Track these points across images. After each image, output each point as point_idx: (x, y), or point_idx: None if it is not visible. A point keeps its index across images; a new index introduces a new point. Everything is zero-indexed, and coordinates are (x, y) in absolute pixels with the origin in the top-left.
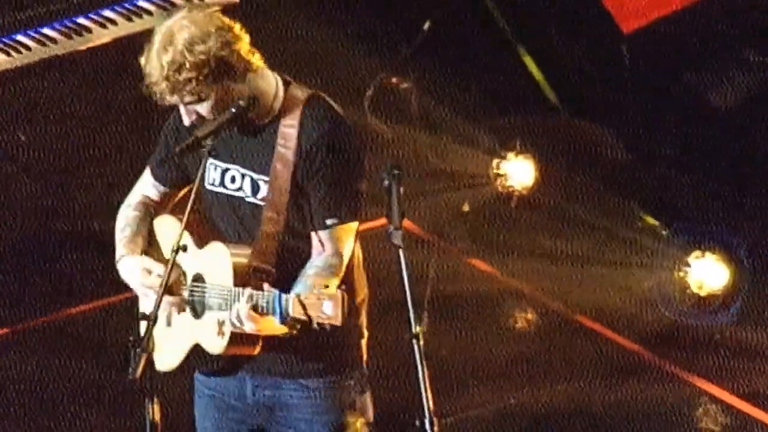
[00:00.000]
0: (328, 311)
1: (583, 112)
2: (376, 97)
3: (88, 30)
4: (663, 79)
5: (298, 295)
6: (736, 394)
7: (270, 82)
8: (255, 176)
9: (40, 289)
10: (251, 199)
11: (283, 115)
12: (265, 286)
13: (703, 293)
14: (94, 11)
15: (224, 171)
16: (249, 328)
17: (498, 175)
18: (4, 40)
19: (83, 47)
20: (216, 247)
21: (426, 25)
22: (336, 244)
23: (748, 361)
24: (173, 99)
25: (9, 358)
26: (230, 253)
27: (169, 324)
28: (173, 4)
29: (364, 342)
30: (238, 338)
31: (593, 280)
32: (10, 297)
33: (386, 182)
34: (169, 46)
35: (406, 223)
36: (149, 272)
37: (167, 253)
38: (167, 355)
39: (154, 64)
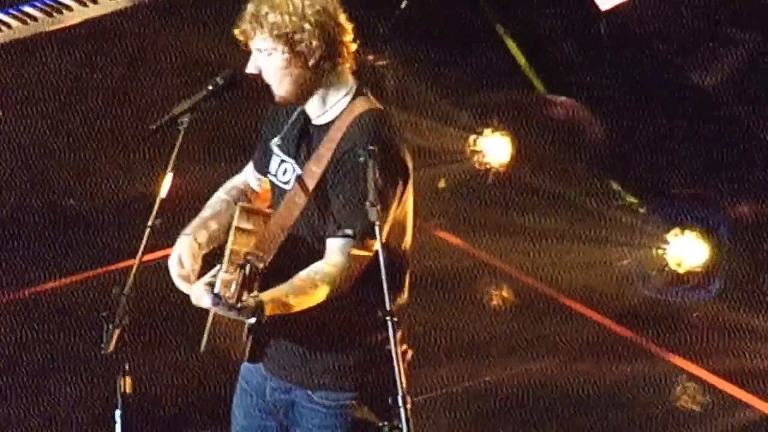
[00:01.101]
0: (231, 289)
1: (561, 89)
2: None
3: (69, 8)
4: (642, 56)
5: (224, 273)
6: (715, 372)
7: (342, 86)
8: (299, 171)
9: (15, 265)
10: None
11: (339, 117)
12: (224, 264)
13: (681, 271)
14: None
15: (281, 162)
16: (205, 303)
17: (474, 151)
18: None
19: (63, 25)
20: (231, 235)
21: (403, 3)
22: (340, 256)
23: (726, 339)
24: (249, 38)
25: None
26: (234, 240)
27: None
28: None
29: (382, 357)
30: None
31: (570, 257)
32: None
33: (362, 158)
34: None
35: None
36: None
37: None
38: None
39: (264, 4)
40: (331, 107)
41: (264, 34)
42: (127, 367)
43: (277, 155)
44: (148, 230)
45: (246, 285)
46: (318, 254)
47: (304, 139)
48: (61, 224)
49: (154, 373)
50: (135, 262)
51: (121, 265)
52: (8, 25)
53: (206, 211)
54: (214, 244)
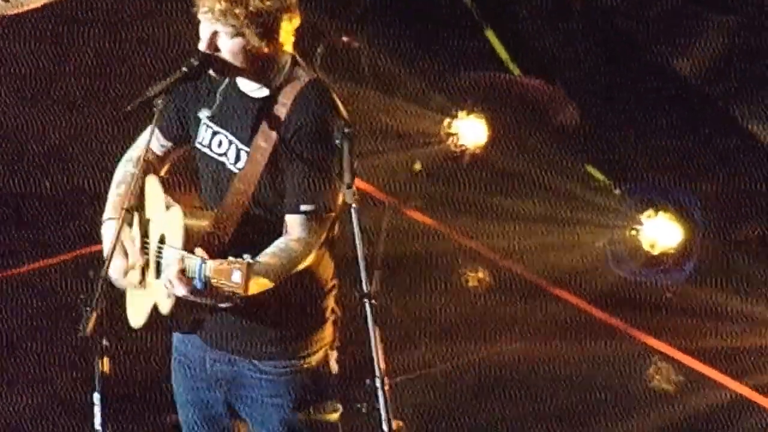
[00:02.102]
0: (236, 279)
1: (536, 71)
2: (327, 56)
3: None
4: (616, 37)
5: (213, 262)
6: (688, 352)
7: (282, 63)
8: (240, 146)
9: None
10: (231, 167)
11: (279, 92)
12: (198, 250)
13: (655, 252)
14: None
15: (214, 134)
16: (179, 292)
17: (450, 134)
18: None
19: (33, 6)
20: (174, 211)
21: None
22: (302, 231)
23: (699, 320)
24: (216, 20)
25: None
26: (185, 218)
27: (141, 283)
28: None
29: (328, 326)
30: (182, 301)
31: (545, 238)
32: None
33: (337, 141)
34: None
35: (358, 182)
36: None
37: (148, 213)
38: (135, 314)
39: None
40: (270, 80)
41: (237, 20)
42: (105, 345)
43: (209, 126)
44: (123, 212)
45: (250, 276)
46: (273, 228)
47: (243, 112)
48: (37, 206)
49: (132, 355)
50: (111, 244)
51: (98, 247)
52: None
53: (120, 188)
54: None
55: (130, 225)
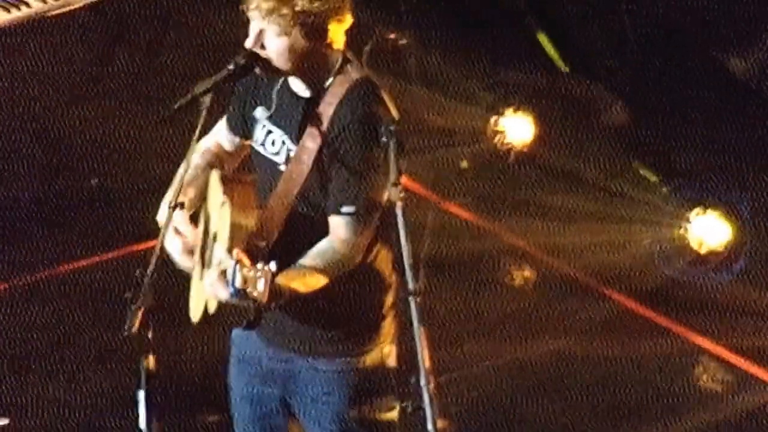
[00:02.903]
0: (260, 288)
1: (584, 69)
2: (374, 53)
3: None
4: (665, 36)
5: (242, 269)
6: (736, 351)
7: (331, 57)
8: (290, 146)
9: (38, 246)
10: (282, 167)
11: (329, 91)
12: (235, 252)
13: (703, 251)
14: None
15: (268, 132)
16: (221, 295)
17: (496, 131)
18: None
19: (84, 3)
20: (225, 208)
21: None
22: (346, 232)
23: (748, 319)
24: (262, 19)
25: (9, 312)
26: (233, 216)
27: (201, 278)
28: None
29: (387, 323)
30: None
31: (592, 236)
32: (11, 252)
33: (383, 138)
34: None
35: (404, 179)
36: (177, 231)
37: (210, 208)
38: (194, 308)
39: None
40: (320, 80)
41: (284, 19)
42: (150, 340)
43: (264, 125)
44: (169, 210)
45: (274, 285)
46: (319, 229)
47: (293, 112)
48: (85, 205)
49: (178, 353)
50: (158, 242)
51: (143, 246)
52: (27, 4)
53: (184, 179)
54: (192, 211)
55: (196, 216)
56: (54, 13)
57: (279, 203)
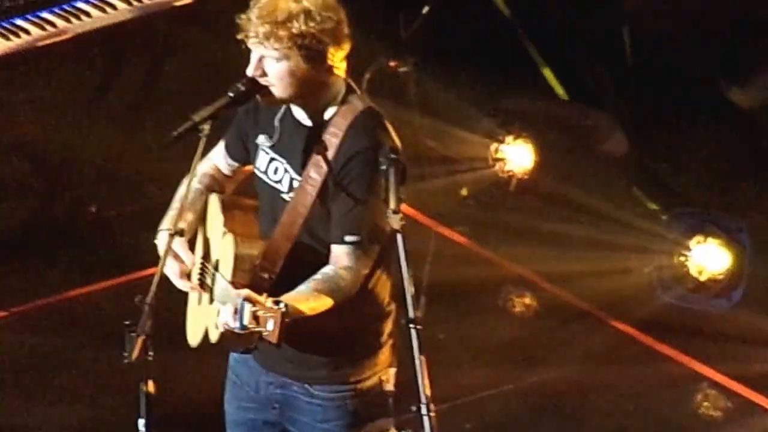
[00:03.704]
0: (270, 327)
1: (584, 97)
2: (375, 80)
3: (87, 14)
4: (666, 65)
5: (252, 308)
6: (737, 378)
7: (333, 87)
8: (293, 175)
9: (36, 273)
10: (285, 196)
11: (332, 121)
12: (243, 291)
13: (702, 278)
14: None
15: (271, 160)
16: (233, 327)
17: (497, 159)
18: (2, 24)
19: (83, 31)
20: (228, 238)
21: (425, 9)
22: (349, 261)
23: (748, 346)
24: (260, 44)
25: (8, 340)
26: (237, 247)
27: (199, 303)
28: None
29: (384, 350)
30: (230, 334)
31: (592, 264)
32: (9, 280)
33: (383, 166)
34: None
35: (404, 207)
36: (176, 256)
37: (209, 233)
38: (192, 333)
39: (271, 5)
40: (323, 109)
41: (281, 43)
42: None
43: (267, 153)
44: (169, 237)
45: (284, 326)
46: (323, 261)
47: (296, 141)
48: (83, 232)
49: (177, 378)
50: (158, 269)
51: (144, 273)
52: (27, 31)
53: (183, 203)
54: (190, 235)
55: (194, 240)
56: (52, 41)
57: (283, 235)
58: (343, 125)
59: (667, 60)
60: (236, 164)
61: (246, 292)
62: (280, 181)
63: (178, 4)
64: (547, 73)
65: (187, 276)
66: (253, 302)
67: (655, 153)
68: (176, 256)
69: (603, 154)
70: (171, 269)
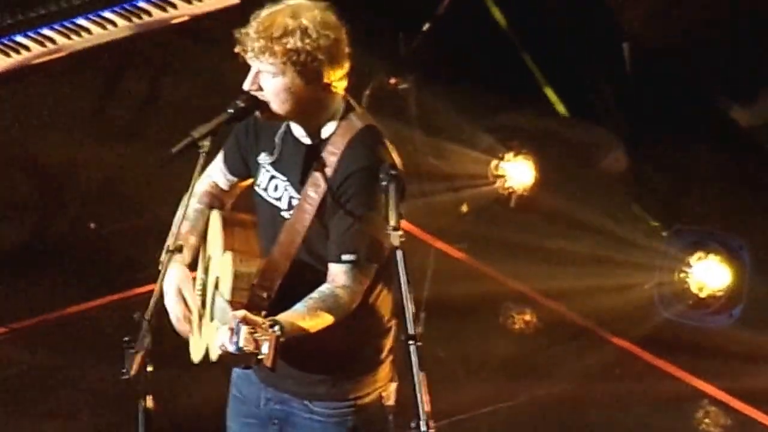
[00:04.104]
0: (265, 350)
1: (585, 113)
2: (375, 97)
3: (88, 31)
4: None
5: (248, 330)
6: (737, 395)
7: (332, 104)
8: (292, 193)
9: (35, 290)
10: (285, 213)
11: (331, 139)
12: (239, 313)
13: (703, 295)
14: (93, 12)
15: (271, 177)
16: (231, 349)
17: (497, 175)
18: (2, 41)
19: (82, 47)
20: (227, 256)
21: (425, 26)
22: (346, 280)
23: (749, 362)
24: (256, 59)
25: (7, 356)
26: (236, 265)
27: (201, 320)
28: (173, 6)
29: (384, 367)
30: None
31: (592, 280)
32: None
33: (383, 183)
34: (296, 15)
35: (404, 223)
36: (179, 290)
37: (210, 250)
38: (194, 349)
39: (268, 21)
40: (321, 127)
41: (277, 58)
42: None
43: (267, 170)
44: (168, 254)
45: (279, 349)
46: (321, 279)
47: (296, 158)
48: (83, 248)
49: (178, 393)
50: (156, 286)
51: (142, 290)
52: (27, 48)
53: (184, 225)
54: (192, 256)
55: (196, 259)
56: (52, 57)
57: (282, 253)
58: (342, 143)
59: (668, 76)
60: (235, 179)
61: (242, 313)
62: (279, 199)
63: (175, 21)
64: (549, 92)
65: (188, 319)
66: (250, 324)
67: (655, 169)
68: (183, 299)
69: (603, 170)
70: (173, 310)
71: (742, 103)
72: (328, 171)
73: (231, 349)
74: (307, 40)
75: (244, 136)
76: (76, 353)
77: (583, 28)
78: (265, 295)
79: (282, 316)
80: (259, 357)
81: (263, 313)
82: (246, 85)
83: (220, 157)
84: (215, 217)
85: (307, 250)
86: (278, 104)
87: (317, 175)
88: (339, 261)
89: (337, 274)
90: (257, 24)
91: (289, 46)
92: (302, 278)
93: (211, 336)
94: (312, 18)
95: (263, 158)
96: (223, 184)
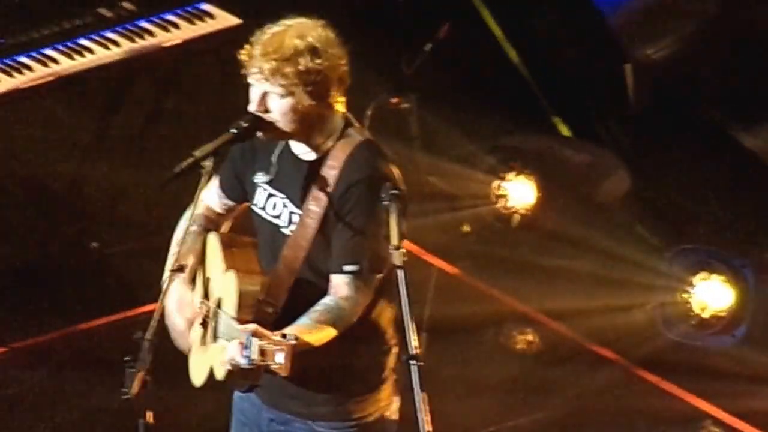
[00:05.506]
0: (279, 360)
1: (585, 134)
2: (377, 117)
3: (90, 51)
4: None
5: (260, 342)
6: (739, 416)
7: (332, 120)
8: (292, 209)
9: (37, 309)
10: (285, 230)
11: (331, 154)
12: (250, 326)
13: (706, 315)
14: (96, 32)
15: (269, 196)
16: (240, 363)
17: (499, 195)
18: (5, 61)
19: (85, 68)
20: (230, 275)
21: (427, 46)
22: (349, 290)
23: (751, 383)
24: (265, 81)
25: (9, 375)
26: (240, 284)
27: (202, 343)
28: (174, 25)
29: (386, 386)
30: (237, 370)
31: (595, 300)
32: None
33: (385, 202)
34: (303, 35)
35: (406, 243)
36: (183, 305)
37: (209, 272)
38: (195, 373)
39: (276, 42)
40: (321, 142)
41: (288, 79)
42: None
43: (265, 189)
44: (170, 274)
45: (294, 358)
46: (324, 291)
47: (295, 175)
48: (84, 267)
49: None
50: (157, 306)
51: (143, 309)
52: (29, 68)
53: (183, 247)
54: (191, 278)
55: (194, 280)
56: (54, 78)
57: (286, 268)
58: (342, 157)
59: (671, 98)
60: (231, 203)
61: (253, 327)
62: (279, 216)
63: (167, 45)
64: (551, 112)
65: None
66: (261, 337)
67: (658, 190)
68: (184, 315)
69: (605, 191)
70: (175, 325)
71: (746, 124)
72: (329, 185)
73: (242, 362)
74: (318, 60)
75: (240, 159)
76: (76, 372)
77: (584, 50)
78: (270, 310)
79: (288, 330)
80: (273, 367)
81: (279, 334)
82: (252, 107)
83: (215, 182)
84: (213, 239)
85: (309, 264)
86: (285, 123)
87: (318, 189)
88: (341, 272)
89: (340, 285)
90: (264, 45)
91: (300, 67)
92: (307, 292)
93: (215, 356)
94: (318, 37)
95: (259, 178)
96: (219, 208)
